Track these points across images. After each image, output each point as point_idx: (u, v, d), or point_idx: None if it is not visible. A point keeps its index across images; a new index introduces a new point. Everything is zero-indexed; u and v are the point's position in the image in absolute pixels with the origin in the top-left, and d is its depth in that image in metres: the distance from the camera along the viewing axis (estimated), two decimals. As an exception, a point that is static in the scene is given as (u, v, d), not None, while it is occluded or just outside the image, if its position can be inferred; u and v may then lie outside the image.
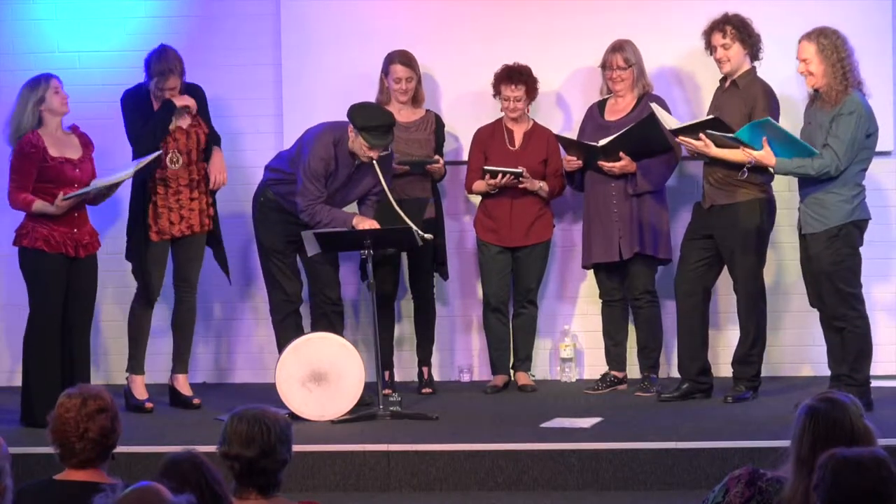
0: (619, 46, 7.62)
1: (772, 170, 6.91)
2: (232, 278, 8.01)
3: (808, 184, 6.86)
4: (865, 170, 6.89)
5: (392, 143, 7.26)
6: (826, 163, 6.71)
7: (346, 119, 7.21)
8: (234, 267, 8.18)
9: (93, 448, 3.77)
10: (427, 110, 7.91)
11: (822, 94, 6.82)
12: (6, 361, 8.24)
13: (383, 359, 7.84)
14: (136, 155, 7.27)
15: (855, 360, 6.87)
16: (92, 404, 3.78)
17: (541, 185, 7.71)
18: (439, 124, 7.91)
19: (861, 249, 6.91)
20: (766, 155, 6.77)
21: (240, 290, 8.27)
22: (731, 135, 6.86)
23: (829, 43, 6.77)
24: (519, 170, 7.60)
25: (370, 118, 7.12)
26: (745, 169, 7.05)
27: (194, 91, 7.45)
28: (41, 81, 7.02)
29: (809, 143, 6.78)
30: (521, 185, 7.65)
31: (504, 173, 7.60)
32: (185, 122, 7.34)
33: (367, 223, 7.16)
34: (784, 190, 7.76)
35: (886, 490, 3.12)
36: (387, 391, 7.43)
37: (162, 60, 7.27)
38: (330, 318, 7.48)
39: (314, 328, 7.47)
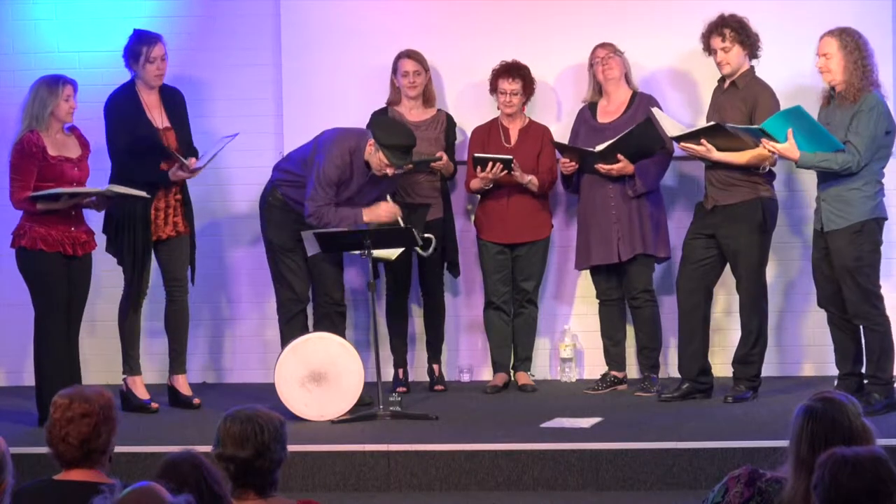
0: (605, 43, 7.67)
1: (795, 164, 6.89)
2: (234, 278, 8.04)
3: (828, 181, 6.86)
4: (884, 167, 6.89)
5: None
6: (848, 158, 6.72)
7: (360, 126, 7.26)
8: (236, 266, 8.22)
9: (75, 451, 3.76)
10: (438, 109, 7.93)
11: (840, 93, 6.83)
12: (18, 361, 8.25)
13: (396, 357, 7.89)
14: (117, 171, 7.29)
15: (879, 359, 6.87)
16: (76, 408, 3.76)
17: (530, 179, 7.70)
18: (450, 123, 7.93)
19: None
20: (789, 148, 6.74)
21: (241, 289, 8.27)
22: (755, 126, 6.85)
23: (853, 41, 6.79)
24: (508, 157, 7.60)
25: (395, 137, 7.17)
26: (767, 166, 7.08)
27: (174, 94, 7.46)
28: (59, 84, 7.00)
29: None
30: (512, 175, 7.64)
31: (494, 161, 7.59)
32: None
33: (375, 213, 7.19)
34: (784, 190, 7.77)
35: (885, 489, 3.12)
36: (401, 389, 7.52)
37: (142, 35, 7.33)
38: (333, 319, 7.49)
39: (317, 328, 7.47)
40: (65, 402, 3.78)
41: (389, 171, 7.18)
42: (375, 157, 7.17)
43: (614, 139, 7.41)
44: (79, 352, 7.21)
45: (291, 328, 7.47)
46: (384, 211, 7.30)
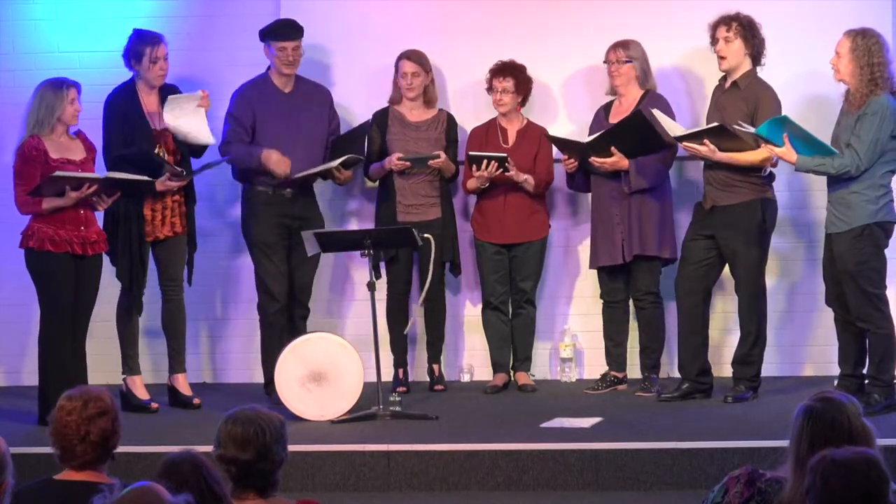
0: (621, 43, 7.64)
1: (793, 167, 6.91)
2: (234, 277, 8.03)
3: (834, 184, 6.87)
4: (894, 171, 6.88)
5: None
6: (846, 162, 6.73)
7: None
8: (236, 265, 8.21)
9: (94, 450, 3.78)
10: (440, 110, 7.94)
11: (849, 95, 6.83)
12: (17, 361, 8.24)
13: (396, 357, 7.89)
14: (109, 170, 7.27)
15: (881, 361, 6.88)
16: (93, 407, 3.78)
17: (526, 178, 7.70)
18: (451, 124, 7.94)
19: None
20: (787, 152, 6.77)
21: (241, 289, 8.27)
22: (752, 130, 6.86)
23: (864, 45, 6.78)
24: (503, 154, 7.60)
25: (273, 25, 7.56)
26: (767, 168, 7.08)
27: (172, 92, 7.46)
28: (63, 88, 7.01)
29: (837, 145, 6.79)
30: (507, 174, 7.63)
31: (489, 160, 7.59)
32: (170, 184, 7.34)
33: (268, 157, 7.35)
34: (785, 191, 7.76)
35: (878, 491, 3.11)
36: (401, 389, 7.51)
37: (143, 35, 7.36)
38: (297, 325, 7.58)
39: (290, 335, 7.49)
40: (78, 404, 3.78)
41: (290, 48, 7.44)
42: (276, 56, 7.49)
43: (602, 131, 7.41)
44: (85, 352, 7.20)
45: (268, 331, 7.54)
46: (274, 160, 7.39)
